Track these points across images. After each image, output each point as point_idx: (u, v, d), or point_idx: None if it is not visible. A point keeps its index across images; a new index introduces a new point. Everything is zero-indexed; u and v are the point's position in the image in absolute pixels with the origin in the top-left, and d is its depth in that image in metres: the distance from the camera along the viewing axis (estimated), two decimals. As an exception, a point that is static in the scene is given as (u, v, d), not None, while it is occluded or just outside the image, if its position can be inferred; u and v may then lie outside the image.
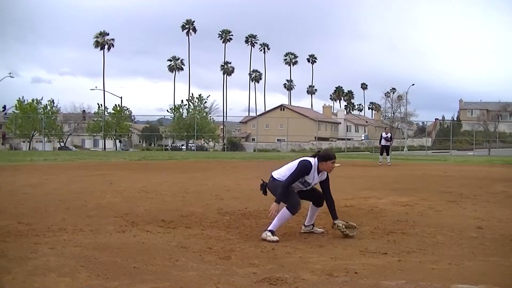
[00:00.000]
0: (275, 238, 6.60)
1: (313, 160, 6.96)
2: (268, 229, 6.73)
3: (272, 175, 7.09)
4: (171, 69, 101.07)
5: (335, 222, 6.94)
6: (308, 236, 7.00)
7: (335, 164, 7.09)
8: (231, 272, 5.09)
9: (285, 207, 6.77)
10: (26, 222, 7.67)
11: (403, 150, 67.78)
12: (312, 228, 7.30)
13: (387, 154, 26.15)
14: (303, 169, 6.86)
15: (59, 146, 75.52)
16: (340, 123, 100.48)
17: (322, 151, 7.22)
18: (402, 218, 8.57)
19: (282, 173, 7.01)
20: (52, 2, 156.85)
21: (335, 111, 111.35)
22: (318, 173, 6.99)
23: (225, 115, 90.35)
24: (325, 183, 7.11)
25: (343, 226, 6.86)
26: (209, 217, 8.45)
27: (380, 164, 25.65)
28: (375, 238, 6.90)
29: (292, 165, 6.99)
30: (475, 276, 4.97)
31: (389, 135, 26.69)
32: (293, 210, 6.74)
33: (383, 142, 26.37)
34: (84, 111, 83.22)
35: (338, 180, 16.37)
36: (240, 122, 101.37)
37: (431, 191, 12.59)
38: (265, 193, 7.19)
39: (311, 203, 7.25)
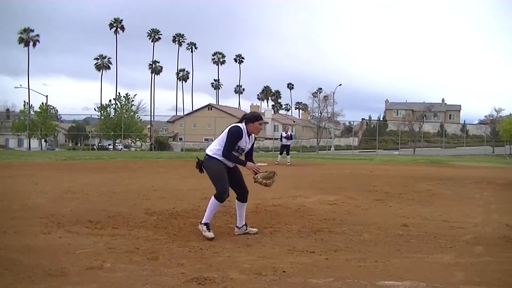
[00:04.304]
0: (210, 234, 6.62)
1: (241, 125, 6.90)
2: (203, 222, 6.74)
3: (206, 153, 6.94)
4: (98, 67, 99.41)
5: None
6: (235, 236, 6.96)
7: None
8: (159, 272, 5.02)
9: (212, 196, 6.68)
10: None
11: (330, 150, 68.89)
12: (246, 229, 7.14)
13: (287, 154, 26.19)
14: (235, 135, 6.77)
15: (-19, 146, 73.05)
16: (268, 122, 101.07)
17: (248, 113, 7.12)
18: (329, 216, 8.65)
19: (215, 147, 6.89)
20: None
21: (262, 111, 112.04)
22: (249, 136, 6.94)
23: (152, 114, 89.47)
24: (251, 146, 7.10)
25: (258, 177, 6.88)
26: (137, 217, 8.30)
27: (277, 163, 25.39)
28: (303, 237, 6.92)
29: (223, 135, 6.88)
30: (400, 273, 5.06)
31: (289, 134, 26.74)
32: (220, 198, 6.64)
33: (284, 142, 26.35)
34: (8, 109, 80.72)
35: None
36: (167, 121, 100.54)
37: (358, 190, 12.79)
38: (201, 171, 7.04)
39: (236, 201, 7.10)
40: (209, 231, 6.66)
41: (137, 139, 72.05)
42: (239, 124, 6.90)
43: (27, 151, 52.94)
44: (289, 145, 26.55)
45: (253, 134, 7.01)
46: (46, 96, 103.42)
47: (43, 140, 72.66)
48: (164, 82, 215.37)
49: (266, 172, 7.02)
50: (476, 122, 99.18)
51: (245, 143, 6.88)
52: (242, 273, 5.01)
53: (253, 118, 6.91)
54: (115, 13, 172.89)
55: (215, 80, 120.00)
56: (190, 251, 6.00)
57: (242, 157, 7.00)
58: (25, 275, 4.81)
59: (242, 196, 7.04)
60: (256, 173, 6.84)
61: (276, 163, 25.55)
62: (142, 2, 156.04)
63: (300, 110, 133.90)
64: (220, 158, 6.77)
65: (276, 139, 73.06)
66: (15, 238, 6.59)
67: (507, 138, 62.66)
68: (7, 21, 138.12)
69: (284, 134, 26.44)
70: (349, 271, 5.12)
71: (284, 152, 26.43)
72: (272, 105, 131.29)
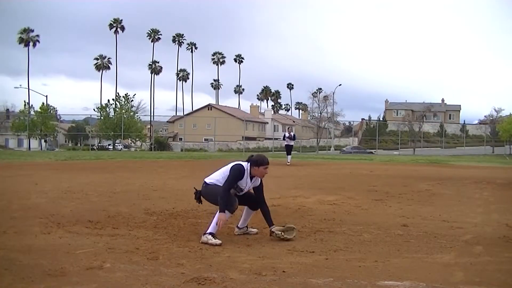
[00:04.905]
0: (218, 241, 6.29)
1: (246, 165, 6.75)
2: (208, 231, 6.41)
3: (204, 181, 6.83)
4: (98, 67, 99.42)
5: (272, 230, 6.72)
6: (235, 235, 6.96)
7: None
8: (159, 272, 5.01)
9: None
10: None
11: (330, 150, 68.86)
12: (246, 230, 7.11)
13: (289, 153, 26.13)
14: (237, 173, 6.61)
15: (-19, 146, 72.95)
16: (268, 122, 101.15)
17: (255, 155, 6.91)
18: (329, 216, 8.65)
19: (214, 177, 6.78)
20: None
21: (262, 111, 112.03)
22: (251, 179, 6.79)
23: (152, 114, 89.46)
24: (258, 190, 6.92)
25: (281, 233, 6.66)
26: (136, 217, 8.29)
27: (288, 163, 25.51)
28: (303, 237, 6.91)
29: (225, 170, 6.74)
30: (400, 273, 5.06)
31: (292, 134, 26.74)
32: (230, 209, 6.48)
33: (287, 142, 26.36)
34: (7, 109, 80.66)
35: (265, 180, 16.41)
36: (167, 121, 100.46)
37: (358, 190, 12.79)
38: (199, 201, 6.96)
39: (246, 207, 7.05)
40: (215, 238, 6.34)
41: (137, 139, 72.01)
42: (243, 164, 6.76)
43: (27, 151, 52.92)
44: (292, 145, 26.48)
45: (258, 178, 6.86)
46: (46, 96, 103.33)
47: (43, 140, 72.62)
48: (164, 82, 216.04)
49: (283, 226, 6.85)
50: (476, 122, 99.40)
51: (245, 183, 6.74)
52: (242, 273, 5.00)
53: (258, 162, 6.74)
54: (115, 13, 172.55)
55: (215, 80, 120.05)
56: (190, 251, 5.98)
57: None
58: (24, 275, 4.79)
59: (254, 206, 6.99)
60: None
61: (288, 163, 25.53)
62: (142, 2, 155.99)
63: (300, 110, 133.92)
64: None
65: (276, 139, 73.29)
66: (15, 238, 6.56)
67: (507, 138, 62.76)
68: (7, 21, 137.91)
69: (287, 134, 26.48)
70: (349, 271, 5.11)
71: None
72: (272, 105, 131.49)
